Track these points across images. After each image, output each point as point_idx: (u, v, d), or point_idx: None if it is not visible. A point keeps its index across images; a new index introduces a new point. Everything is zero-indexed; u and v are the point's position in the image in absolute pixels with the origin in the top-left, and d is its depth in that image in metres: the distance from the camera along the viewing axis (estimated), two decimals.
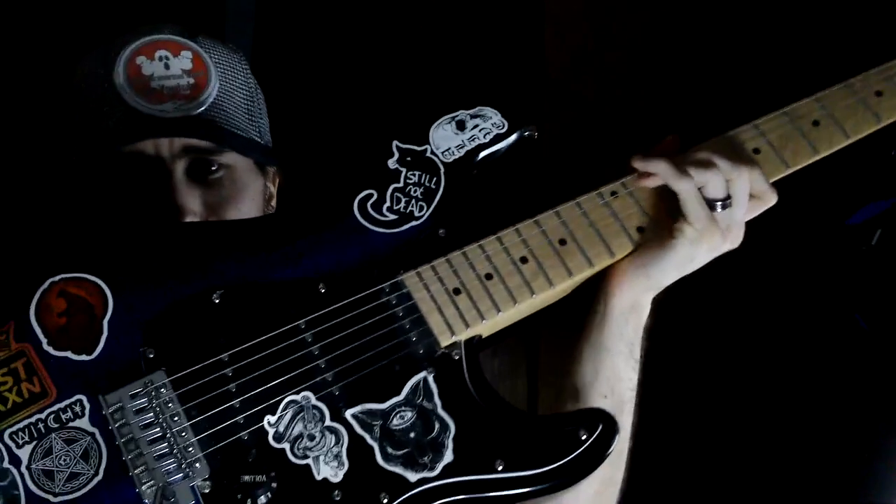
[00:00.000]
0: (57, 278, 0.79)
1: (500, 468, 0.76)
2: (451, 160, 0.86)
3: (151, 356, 0.78)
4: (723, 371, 1.60)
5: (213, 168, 0.96)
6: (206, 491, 0.74)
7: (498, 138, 0.87)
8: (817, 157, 0.90)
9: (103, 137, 0.95)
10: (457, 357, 0.80)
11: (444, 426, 0.78)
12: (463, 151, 0.86)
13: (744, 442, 1.57)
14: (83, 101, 0.98)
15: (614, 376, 0.85)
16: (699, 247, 0.85)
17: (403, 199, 0.85)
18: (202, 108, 0.95)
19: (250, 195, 1.00)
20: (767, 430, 1.57)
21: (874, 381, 1.54)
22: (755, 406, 1.58)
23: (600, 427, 0.78)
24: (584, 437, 0.77)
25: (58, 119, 1.02)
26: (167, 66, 0.96)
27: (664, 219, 0.85)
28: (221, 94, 0.98)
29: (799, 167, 0.90)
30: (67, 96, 1.01)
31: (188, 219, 0.93)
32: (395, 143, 0.86)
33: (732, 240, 0.87)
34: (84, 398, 0.76)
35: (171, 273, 0.81)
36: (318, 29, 1.79)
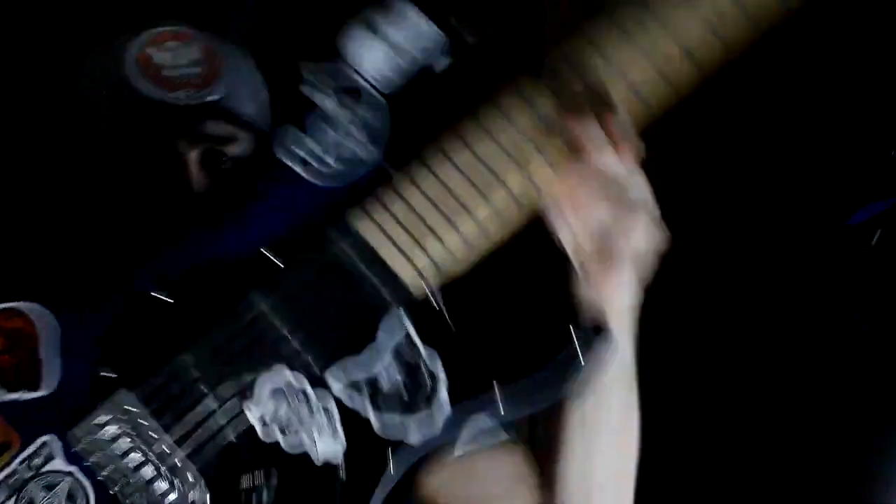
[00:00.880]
0: None
1: (496, 386, 0.72)
2: (394, 90, 0.77)
3: (110, 376, 0.72)
4: (722, 371, 1.60)
5: (224, 159, 0.96)
6: (207, 498, 0.70)
7: (430, 50, 0.77)
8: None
9: (116, 125, 0.95)
10: (426, 289, 0.74)
11: (430, 364, 0.72)
12: (405, 77, 0.77)
13: (743, 442, 1.57)
14: (92, 98, 0.98)
15: None
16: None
17: (348, 144, 0.77)
18: (215, 97, 0.96)
19: None
20: (767, 430, 1.57)
21: (874, 381, 1.54)
22: (755, 406, 1.58)
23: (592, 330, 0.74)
24: (576, 338, 0.73)
25: (63, 117, 1.02)
26: (177, 56, 0.97)
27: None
28: (231, 85, 0.98)
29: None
30: (74, 94, 1.01)
31: None
32: (302, 66, 0.78)
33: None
34: (49, 438, 0.70)
35: (110, 278, 0.74)
36: (320, 25, 1.79)
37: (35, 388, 0.71)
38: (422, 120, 0.77)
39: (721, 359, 1.60)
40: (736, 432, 1.57)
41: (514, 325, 0.77)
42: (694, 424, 1.59)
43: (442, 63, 0.77)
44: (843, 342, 1.55)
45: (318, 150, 0.76)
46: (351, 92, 0.76)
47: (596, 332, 0.74)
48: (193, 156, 0.95)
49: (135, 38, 0.96)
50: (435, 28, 0.76)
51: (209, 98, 0.95)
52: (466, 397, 0.72)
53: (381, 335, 0.72)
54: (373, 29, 0.76)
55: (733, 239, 1.57)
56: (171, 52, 0.96)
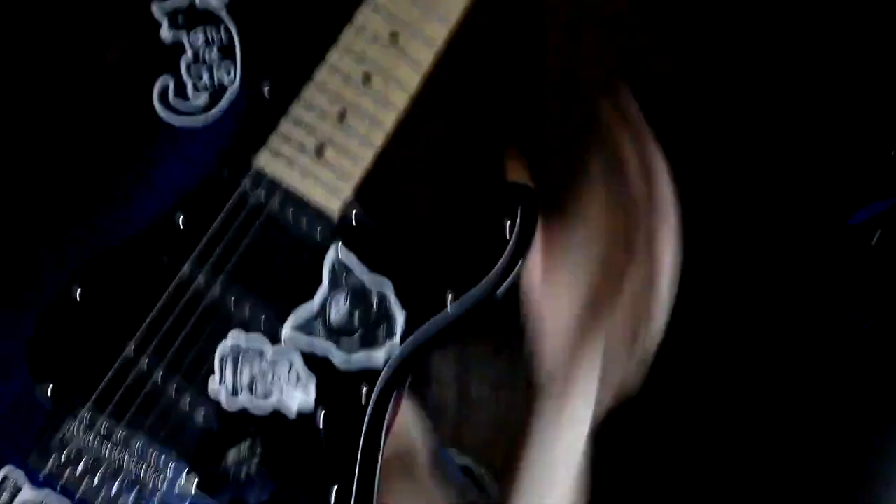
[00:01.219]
0: None
1: (450, 298, 0.69)
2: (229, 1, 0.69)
3: (53, 389, 0.67)
4: (722, 371, 1.60)
5: None
6: (195, 483, 0.67)
7: None
8: None
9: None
10: (356, 216, 0.70)
11: (381, 291, 0.69)
12: None
13: (743, 442, 1.57)
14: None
15: None
16: None
17: (204, 72, 0.69)
18: None
19: None
20: (767, 431, 1.57)
21: (874, 381, 1.54)
22: (755, 406, 1.58)
23: (520, 207, 0.70)
24: (509, 224, 0.69)
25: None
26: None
27: None
28: None
29: None
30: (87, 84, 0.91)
31: None
32: (152, 4, 0.69)
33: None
34: (8, 470, 0.65)
35: (17, 285, 0.68)
36: (319, 36, 1.79)
37: None
38: (275, 22, 0.72)
39: (720, 358, 1.60)
40: (735, 432, 1.57)
41: (449, 228, 0.73)
42: (693, 424, 1.59)
43: None
44: (843, 342, 1.55)
45: (179, 88, 0.69)
46: (188, 13, 0.69)
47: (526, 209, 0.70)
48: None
49: None
50: None
51: None
52: (422, 310, 0.69)
53: (328, 276, 0.68)
54: None
55: (733, 239, 1.57)
56: None
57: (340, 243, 0.69)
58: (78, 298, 0.68)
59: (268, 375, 0.68)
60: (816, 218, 1.56)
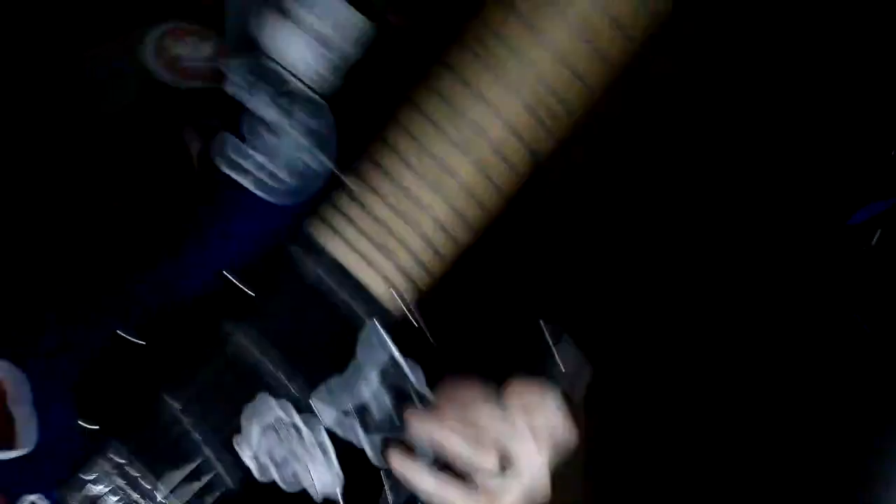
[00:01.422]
0: None
1: None
2: (332, 90, 0.73)
3: (93, 427, 0.68)
4: (721, 371, 1.60)
5: None
6: None
7: (348, 31, 0.72)
8: None
9: (121, 113, 0.94)
10: (399, 300, 0.71)
11: (418, 388, 0.70)
12: (338, 73, 0.73)
13: (743, 442, 1.57)
14: (95, 84, 0.97)
15: None
16: None
17: (296, 154, 0.72)
18: (227, 90, 0.94)
19: None
20: (767, 431, 1.57)
21: (874, 381, 1.54)
22: (754, 406, 1.58)
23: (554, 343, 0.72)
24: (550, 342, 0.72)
25: (61, 103, 0.98)
26: (194, 50, 0.95)
27: None
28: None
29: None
30: (78, 80, 0.99)
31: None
32: (220, 62, 0.74)
33: None
34: (36, 498, 0.67)
35: (80, 323, 0.70)
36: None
37: (11, 446, 0.67)
38: (367, 118, 0.73)
39: (720, 358, 1.60)
40: (735, 432, 1.57)
41: (491, 334, 0.75)
42: (693, 424, 1.59)
43: (363, 48, 0.73)
44: (844, 342, 1.55)
45: (264, 161, 0.71)
46: (286, 95, 0.72)
47: (566, 339, 0.73)
48: (196, 147, 0.92)
49: (154, 28, 0.95)
50: (354, 12, 0.72)
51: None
52: None
53: (360, 351, 0.69)
54: (285, 13, 0.72)
55: (733, 239, 1.57)
56: (188, 46, 0.95)
57: (378, 322, 0.70)
58: (133, 345, 0.70)
59: (297, 451, 0.68)
60: (816, 218, 1.56)
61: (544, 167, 0.76)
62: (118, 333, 0.69)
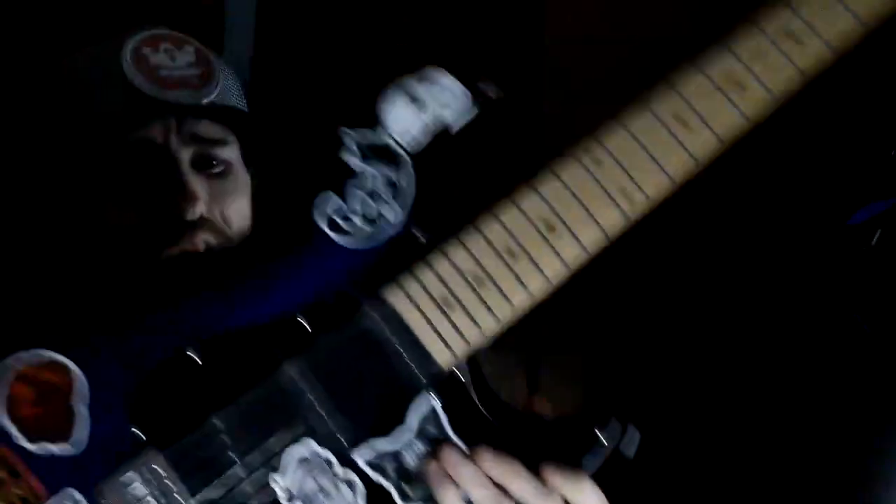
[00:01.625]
0: (20, 365, 0.70)
1: None
2: (418, 150, 0.75)
3: (139, 433, 0.70)
4: (722, 371, 1.60)
5: (214, 162, 0.96)
6: None
7: (461, 111, 0.76)
8: (802, 78, 0.78)
9: (109, 123, 0.94)
10: (459, 374, 0.73)
11: (450, 434, 0.71)
12: (430, 137, 0.75)
13: (743, 442, 1.57)
14: (81, 89, 0.97)
15: None
16: None
17: (373, 203, 0.75)
18: (212, 97, 0.96)
19: (245, 193, 1.01)
20: (767, 431, 1.57)
21: (874, 381, 1.54)
22: (754, 406, 1.58)
23: (612, 420, 0.72)
24: (599, 434, 0.71)
25: (43, 113, 1.01)
26: (173, 59, 0.96)
27: None
28: (225, 89, 0.98)
29: (783, 92, 0.79)
30: (57, 87, 1.00)
31: (197, 207, 0.92)
32: (342, 130, 0.76)
33: None
34: (76, 493, 0.69)
35: (140, 334, 0.73)
36: (320, 36, 1.79)
37: (65, 442, 0.69)
38: (445, 179, 0.77)
39: (720, 358, 1.60)
40: (735, 432, 1.57)
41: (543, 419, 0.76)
42: (693, 424, 1.59)
43: (463, 120, 0.76)
44: (843, 342, 1.55)
45: (345, 208, 0.75)
46: (377, 150, 0.75)
47: (620, 423, 0.73)
48: (185, 156, 0.95)
49: (130, 38, 0.96)
50: (463, 88, 0.75)
51: (205, 100, 0.95)
52: None
53: (411, 416, 0.71)
54: (410, 95, 0.75)
55: (733, 238, 1.57)
56: (167, 54, 0.96)
57: (434, 394, 0.71)
58: (190, 360, 0.72)
59: (329, 490, 0.70)
60: (816, 218, 1.57)
61: None
62: (179, 349, 0.71)
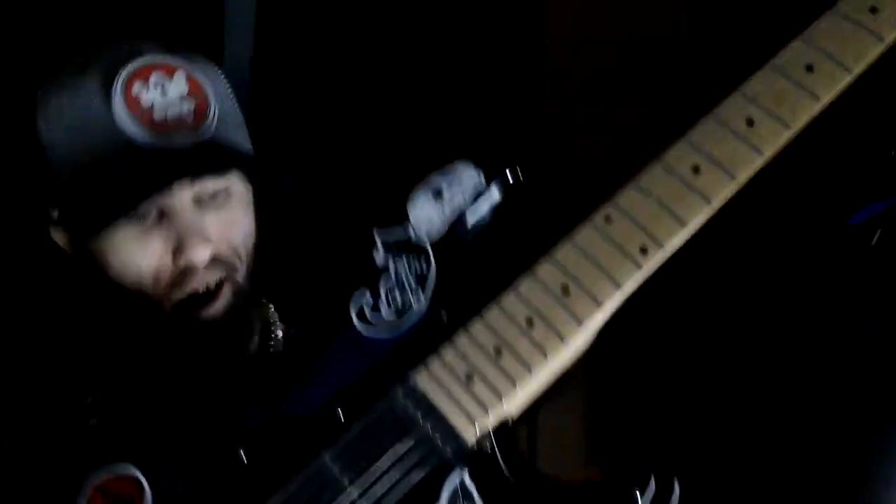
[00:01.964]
0: (99, 480, 0.74)
1: None
2: (437, 239, 0.78)
3: None
4: (722, 371, 1.60)
5: (216, 193, 0.92)
6: None
7: (480, 197, 0.78)
8: (820, 106, 0.79)
9: (117, 193, 0.88)
10: (488, 448, 0.74)
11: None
12: (447, 226, 0.78)
13: (743, 442, 1.57)
14: (64, 148, 0.90)
15: None
16: None
17: (399, 294, 0.78)
18: (211, 134, 0.90)
19: (247, 208, 0.97)
20: (767, 430, 1.57)
21: (874, 381, 1.54)
22: (754, 406, 1.58)
23: (652, 481, 0.74)
24: (638, 496, 0.73)
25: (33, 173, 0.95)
26: (165, 93, 0.89)
27: None
28: (221, 113, 0.92)
29: (802, 125, 0.80)
30: (46, 134, 0.92)
31: (201, 248, 0.89)
32: (374, 230, 0.79)
33: None
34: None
35: (198, 440, 0.76)
36: (320, 36, 1.79)
37: None
38: (467, 264, 0.79)
39: (720, 358, 1.60)
40: (735, 432, 1.57)
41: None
42: (693, 424, 1.59)
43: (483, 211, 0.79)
44: (843, 342, 1.55)
45: (374, 302, 0.78)
46: (403, 245, 0.78)
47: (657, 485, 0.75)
48: (187, 196, 0.89)
49: (116, 75, 0.88)
50: (484, 180, 0.78)
51: (205, 138, 0.90)
52: None
53: (443, 494, 0.72)
54: (436, 194, 0.78)
55: (733, 238, 1.57)
56: (158, 89, 0.89)
57: (467, 468, 0.73)
58: (240, 460, 0.75)
59: None
60: (816, 218, 1.56)
61: None
62: (227, 452, 0.75)
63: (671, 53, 1.70)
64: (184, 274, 0.90)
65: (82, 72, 0.91)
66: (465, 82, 1.77)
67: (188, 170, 0.88)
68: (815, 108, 0.79)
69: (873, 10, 0.75)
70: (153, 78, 0.89)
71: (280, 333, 1.03)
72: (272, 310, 1.05)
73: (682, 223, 0.77)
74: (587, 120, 1.72)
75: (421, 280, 0.77)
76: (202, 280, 0.91)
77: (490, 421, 0.74)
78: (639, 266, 0.75)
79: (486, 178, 0.78)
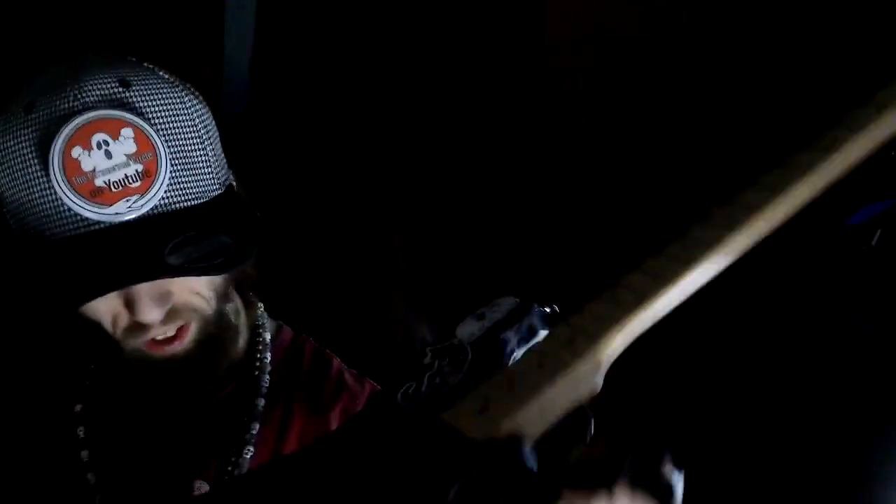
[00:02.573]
0: None
1: None
2: (474, 339, 0.81)
3: None
4: (722, 371, 1.60)
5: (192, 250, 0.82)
6: None
7: (534, 339, 0.81)
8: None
9: (62, 289, 0.79)
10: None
11: None
12: (483, 330, 0.80)
13: (743, 442, 1.57)
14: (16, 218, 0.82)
15: None
16: None
17: (438, 378, 0.80)
18: (159, 199, 0.79)
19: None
20: (767, 430, 1.57)
21: (874, 381, 1.54)
22: (754, 406, 1.58)
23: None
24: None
25: None
26: (109, 155, 0.78)
27: None
28: (175, 167, 0.81)
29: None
30: None
31: (151, 311, 0.81)
32: (428, 349, 0.83)
33: None
34: None
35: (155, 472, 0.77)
36: (320, 37, 1.79)
37: None
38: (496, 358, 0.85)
39: (720, 359, 1.60)
40: (735, 432, 1.57)
41: None
42: (693, 424, 1.59)
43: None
44: (843, 342, 1.55)
45: (415, 386, 0.81)
46: (446, 349, 0.82)
47: None
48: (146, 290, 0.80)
49: (54, 139, 0.77)
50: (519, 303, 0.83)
51: (152, 205, 0.79)
52: None
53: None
54: (479, 317, 0.82)
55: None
56: (100, 151, 0.78)
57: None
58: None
59: None
60: (816, 218, 1.57)
61: None
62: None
63: (671, 54, 1.70)
64: (140, 324, 0.84)
65: (16, 127, 0.80)
66: (465, 82, 1.77)
67: (127, 275, 0.78)
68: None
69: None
70: (96, 138, 0.79)
71: (268, 336, 1.00)
72: (262, 310, 1.02)
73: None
74: (587, 120, 1.72)
75: (457, 365, 0.81)
76: (160, 330, 0.85)
77: None
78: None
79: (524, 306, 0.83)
